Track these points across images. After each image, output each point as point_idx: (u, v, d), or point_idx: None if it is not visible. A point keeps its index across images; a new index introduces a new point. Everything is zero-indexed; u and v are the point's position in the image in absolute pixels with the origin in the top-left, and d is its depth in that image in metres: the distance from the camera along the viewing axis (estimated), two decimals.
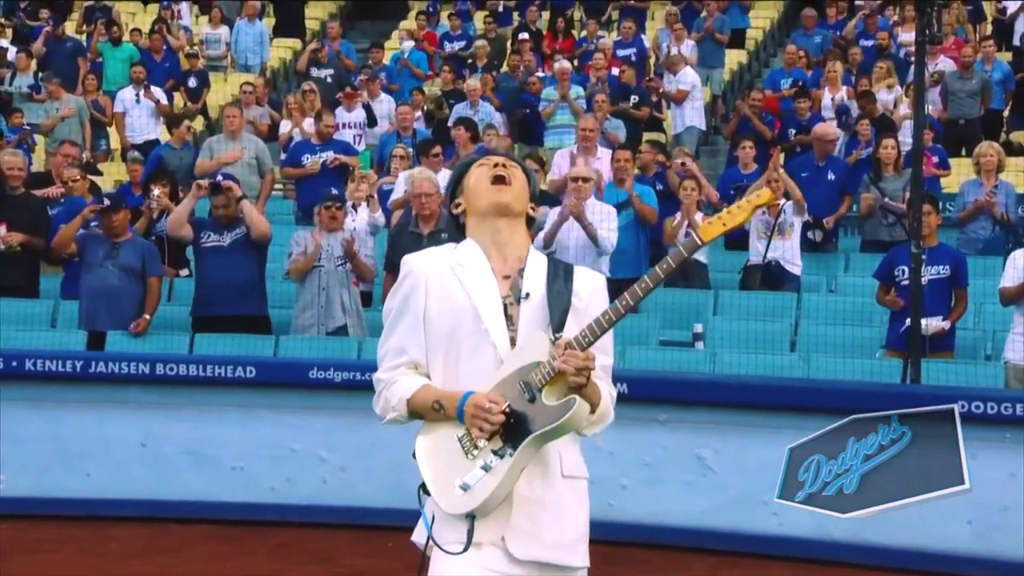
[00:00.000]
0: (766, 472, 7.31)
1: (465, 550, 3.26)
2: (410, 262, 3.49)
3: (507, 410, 3.24)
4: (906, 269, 8.74)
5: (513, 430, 3.26)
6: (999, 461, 7.26)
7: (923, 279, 8.96)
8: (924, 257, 9.00)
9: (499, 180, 3.48)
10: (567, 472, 3.38)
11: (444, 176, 10.44)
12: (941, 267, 9.21)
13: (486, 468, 3.25)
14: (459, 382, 3.35)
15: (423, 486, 3.37)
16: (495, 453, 3.26)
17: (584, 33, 18.58)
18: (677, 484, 7.81)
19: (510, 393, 3.27)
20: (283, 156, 14.37)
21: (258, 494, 8.32)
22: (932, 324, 8.89)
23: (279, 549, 7.89)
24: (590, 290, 3.45)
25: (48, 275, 11.18)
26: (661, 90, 16.23)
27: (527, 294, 3.40)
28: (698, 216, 10.59)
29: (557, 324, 3.33)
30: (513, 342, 3.35)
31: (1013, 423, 7.26)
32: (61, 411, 8.47)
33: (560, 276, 3.43)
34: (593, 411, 3.33)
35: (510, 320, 3.38)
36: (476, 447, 3.28)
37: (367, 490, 8.13)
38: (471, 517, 3.26)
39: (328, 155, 12.96)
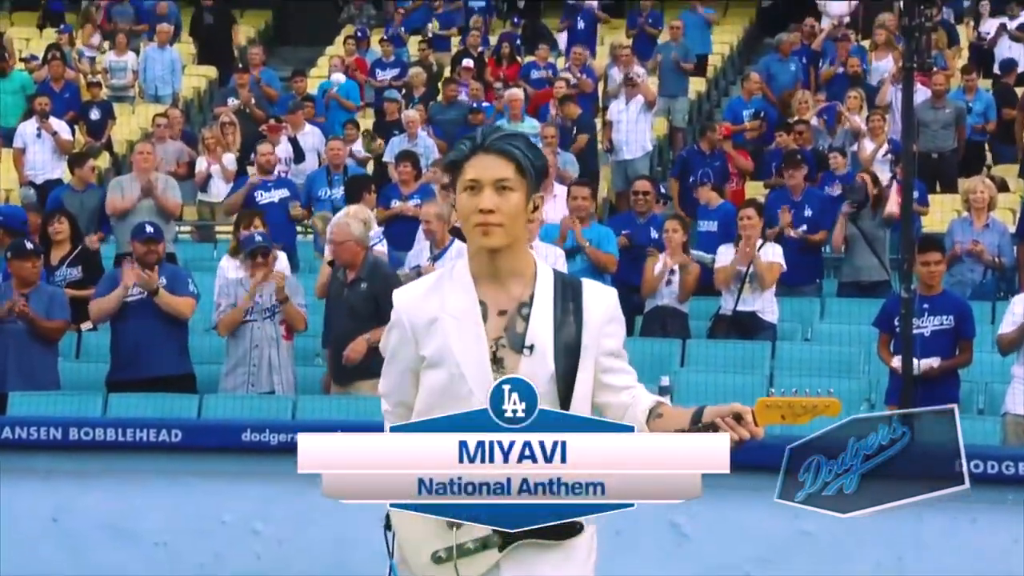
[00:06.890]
0: (746, 539, 7.32)
1: None
2: (398, 309, 3.55)
3: None
4: None
5: None
6: (1000, 526, 7.23)
7: (925, 329, 9.03)
8: (926, 307, 9.06)
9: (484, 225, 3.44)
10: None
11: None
12: (944, 317, 9.16)
13: (465, 552, 3.41)
14: None
15: (387, 521, 3.49)
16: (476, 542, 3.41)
17: (530, 59, 18.64)
18: (650, 553, 7.78)
19: None
20: (200, 195, 14.29)
21: (184, 571, 8.18)
22: (922, 364, 8.87)
23: None
24: (601, 319, 3.53)
25: None
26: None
27: (531, 346, 3.44)
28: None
29: (563, 374, 3.43)
30: None
31: (1015, 483, 7.21)
32: None
33: (569, 309, 3.48)
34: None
35: (499, 365, 3.44)
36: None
37: (306, 566, 8.03)
38: None
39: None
